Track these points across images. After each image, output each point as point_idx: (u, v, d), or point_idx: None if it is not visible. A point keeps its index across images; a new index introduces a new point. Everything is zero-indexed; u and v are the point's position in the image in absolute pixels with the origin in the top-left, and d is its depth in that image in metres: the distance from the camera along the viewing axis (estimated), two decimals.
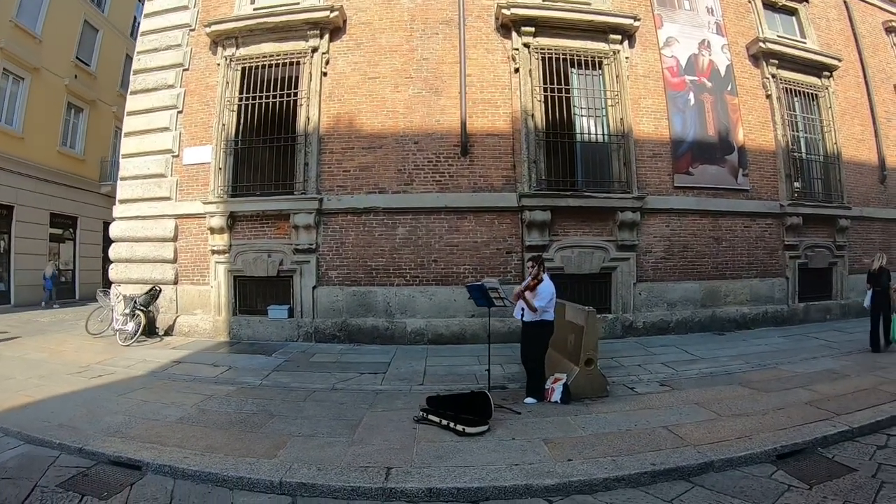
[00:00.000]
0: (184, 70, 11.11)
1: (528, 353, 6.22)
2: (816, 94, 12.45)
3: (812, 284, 11.89)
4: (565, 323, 6.83)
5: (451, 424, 4.99)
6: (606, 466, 4.16)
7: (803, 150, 12.20)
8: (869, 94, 13.38)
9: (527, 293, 6.06)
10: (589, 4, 10.81)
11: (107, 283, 11.97)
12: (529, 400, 5.93)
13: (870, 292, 8.76)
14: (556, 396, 5.95)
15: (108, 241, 11.51)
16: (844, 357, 8.03)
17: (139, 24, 12.46)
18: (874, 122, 13.29)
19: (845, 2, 13.89)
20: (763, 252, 11.29)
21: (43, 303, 16.23)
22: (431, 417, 5.22)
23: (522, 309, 6.15)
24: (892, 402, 5.63)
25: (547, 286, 6.11)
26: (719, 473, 4.15)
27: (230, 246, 10.26)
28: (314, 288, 9.98)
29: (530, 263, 6.36)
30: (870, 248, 12.93)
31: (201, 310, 10.40)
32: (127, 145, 11.24)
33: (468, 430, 4.88)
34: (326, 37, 10.58)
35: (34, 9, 16.96)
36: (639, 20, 10.69)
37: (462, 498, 3.83)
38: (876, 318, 8.56)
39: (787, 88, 11.98)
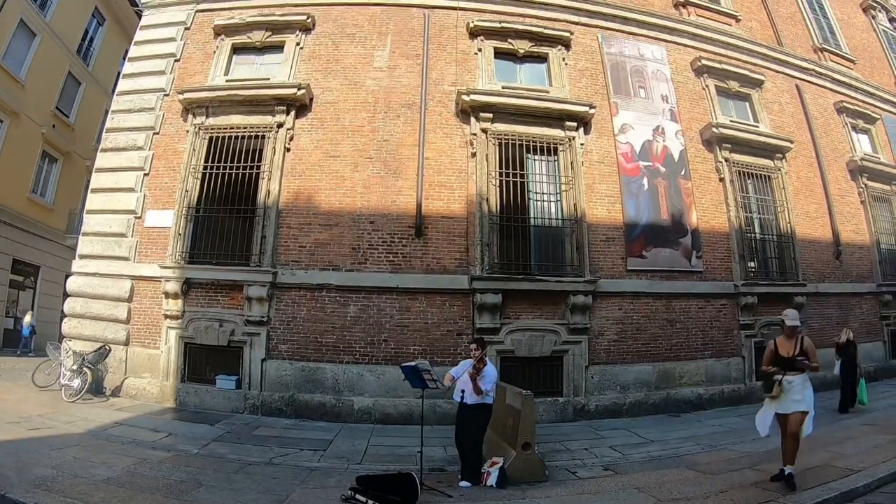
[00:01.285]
0: (154, 133, 11.26)
1: (465, 436, 6.21)
2: (770, 176, 12.83)
3: None
4: (505, 406, 6.84)
5: None
6: None
7: (757, 230, 12.48)
8: (822, 173, 13.82)
9: (476, 375, 6.11)
10: (547, 92, 11.24)
11: (61, 337, 11.78)
12: (464, 484, 5.91)
13: (838, 363, 10.25)
14: (492, 480, 5.93)
15: (67, 294, 11.38)
16: None
17: (120, 79, 12.64)
18: (828, 200, 13.68)
19: (797, 85, 14.52)
20: (718, 332, 11.38)
21: (19, 350, 16.00)
22: (359, 497, 5.18)
23: (462, 391, 6.19)
24: (843, 478, 5.69)
25: (491, 369, 6.26)
26: None
27: (183, 312, 10.18)
28: (263, 360, 9.87)
29: (474, 346, 6.44)
30: (827, 322, 13.13)
31: (150, 373, 10.22)
32: (92, 201, 11.27)
33: None
34: (293, 113, 10.84)
35: (21, 53, 17.17)
36: (594, 108, 11.09)
37: None
38: (846, 385, 9.95)
39: (740, 171, 12.35)
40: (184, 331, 10.14)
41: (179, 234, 10.43)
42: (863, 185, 14.93)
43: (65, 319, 11.03)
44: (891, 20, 20.29)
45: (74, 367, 9.59)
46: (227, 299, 10.20)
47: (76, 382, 9.49)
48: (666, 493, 5.51)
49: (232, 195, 10.54)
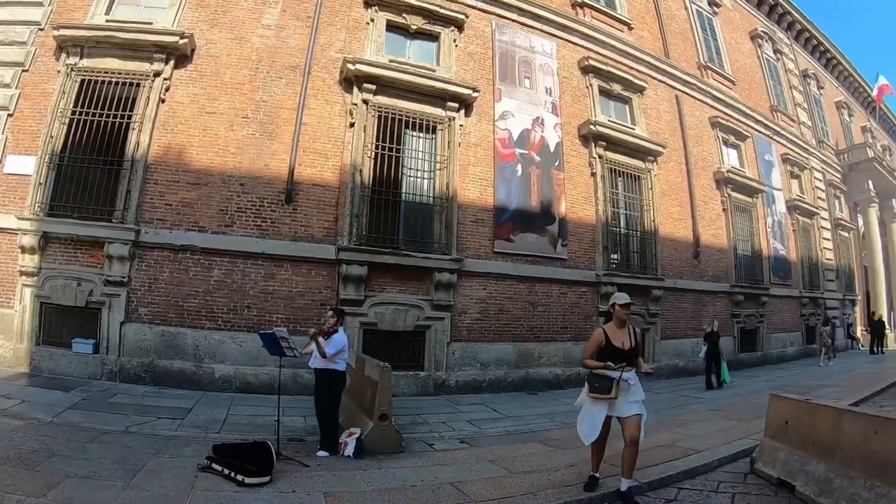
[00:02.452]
0: (23, 71, 10.19)
1: (319, 403, 6.24)
2: (640, 176, 13.74)
3: None
4: (365, 378, 6.88)
5: (233, 474, 4.88)
6: None
7: (623, 225, 13.36)
8: (689, 179, 14.97)
9: (320, 337, 6.11)
10: (434, 71, 11.32)
11: None
12: (321, 453, 5.91)
13: (705, 347, 12.28)
14: (350, 451, 5.94)
15: None
16: (649, 415, 8.50)
17: None
18: (692, 204, 14.86)
19: (677, 96, 15.60)
20: (578, 317, 12.08)
21: None
22: (215, 466, 5.06)
23: (315, 356, 6.19)
24: (686, 457, 6.03)
25: (340, 336, 6.24)
26: None
27: (40, 269, 9.37)
28: (122, 324, 9.31)
29: (331, 313, 6.47)
30: (682, 315, 14.32)
31: (3, 335, 9.34)
32: None
33: (248, 480, 4.79)
34: (172, 63, 10.20)
35: None
36: (478, 92, 11.33)
37: None
38: (709, 366, 12.03)
39: (612, 168, 13.13)
40: (40, 289, 9.35)
41: (40, 184, 9.57)
42: (726, 195, 16.34)
43: None
44: (775, 51, 22.24)
45: None
46: (87, 257, 9.52)
47: None
48: (518, 466, 5.74)
49: (100, 145, 9.79)
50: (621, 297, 5.08)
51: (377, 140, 10.48)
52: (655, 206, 13.72)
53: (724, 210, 16.25)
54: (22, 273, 9.44)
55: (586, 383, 4.92)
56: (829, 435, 4.87)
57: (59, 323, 9.60)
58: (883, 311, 24.84)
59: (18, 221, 9.38)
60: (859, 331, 24.81)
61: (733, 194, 16.58)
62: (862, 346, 23.52)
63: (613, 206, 13.07)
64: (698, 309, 14.85)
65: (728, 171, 16.44)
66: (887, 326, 24.12)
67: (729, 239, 16.20)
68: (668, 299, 13.87)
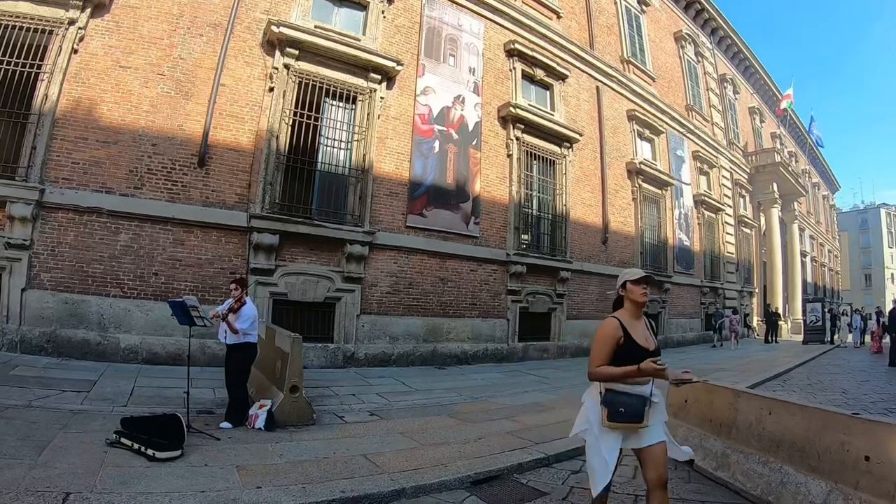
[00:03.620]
0: None
1: (229, 376, 6.18)
2: (555, 161, 14.37)
3: (532, 326, 13.54)
4: (275, 349, 6.85)
5: (143, 448, 4.79)
6: (295, 494, 4.12)
7: (535, 207, 13.97)
8: (603, 167, 15.79)
9: (230, 316, 6.04)
10: (359, 41, 11.25)
11: None
12: (225, 424, 5.84)
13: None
14: (260, 423, 5.91)
15: None
16: (555, 391, 9.00)
17: None
18: (604, 192, 15.70)
19: (598, 87, 16.31)
20: (487, 294, 12.60)
21: None
22: (124, 441, 4.95)
23: (226, 331, 6.13)
24: None
25: (249, 308, 6.17)
26: (411, 500, 4.30)
27: None
28: (24, 290, 8.70)
29: (234, 286, 6.33)
30: (588, 297, 15.19)
31: None
32: None
33: (158, 454, 4.71)
34: (88, 11, 9.43)
35: None
36: (402, 65, 11.41)
37: None
38: None
39: (528, 151, 13.66)
40: None
41: None
42: (637, 185, 17.36)
43: None
44: (696, 54, 23.50)
45: None
46: None
47: None
48: (428, 438, 5.87)
49: (5, 96, 9.10)
50: (634, 273, 3.35)
51: (296, 107, 10.39)
52: (568, 191, 14.42)
53: (633, 199, 17.27)
54: None
55: (598, 406, 3.14)
56: (727, 414, 5.24)
57: None
58: (778, 304, 27.22)
59: None
60: (755, 321, 27.04)
61: (644, 185, 17.63)
62: (757, 335, 25.64)
63: (527, 188, 13.62)
64: (604, 292, 15.76)
65: (641, 162, 17.44)
66: (781, 318, 26.48)
67: (637, 227, 17.26)
68: (575, 281, 14.68)
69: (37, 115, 9.13)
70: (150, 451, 4.80)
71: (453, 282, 12.02)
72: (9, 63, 9.23)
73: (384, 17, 11.92)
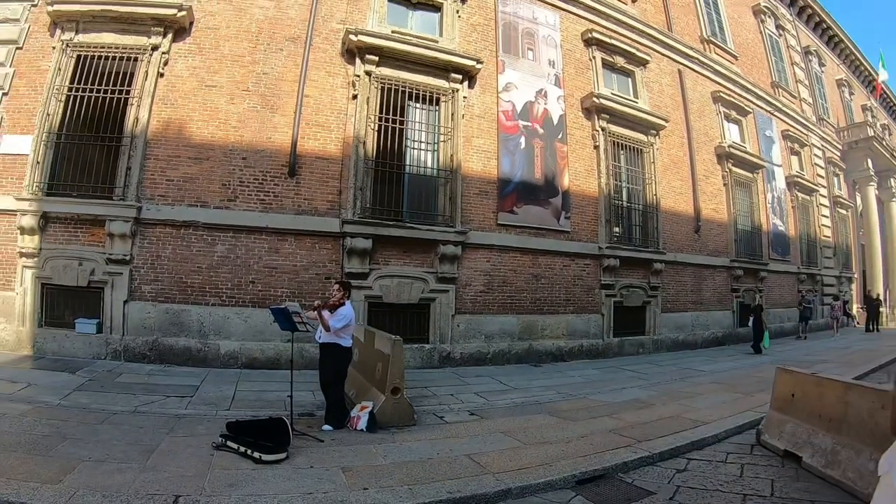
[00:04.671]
0: (17, 48, 10.00)
1: (324, 378, 6.20)
2: (642, 149, 13.70)
3: (627, 321, 12.95)
4: (375, 351, 6.88)
5: (249, 451, 4.87)
6: (402, 495, 4.14)
7: (625, 198, 13.36)
8: (691, 153, 14.93)
9: (325, 311, 6.05)
10: (436, 42, 11.17)
11: None
12: (326, 427, 5.90)
13: (752, 318, 14.17)
14: (363, 424, 5.94)
15: None
16: (654, 387, 8.70)
17: None
18: (693, 178, 14.84)
19: (679, 70, 15.47)
20: (580, 290, 12.14)
21: None
22: (230, 444, 5.05)
23: (320, 331, 6.15)
24: (694, 428, 6.09)
25: (347, 310, 6.16)
26: (517, 500, 4.25)
27: (40, 249, 9.29)
28: (126, 302, 9.27)
29: (337, 287, 6.38)
30: (682, 289, 14.38)
31: (5, 319, 9.29)
32: None
33: (265, 457, 4.79)
34: (170, 36, 10.03)
35: None
36: (482, 63, 11.21)
37: None
38: (756, 335, 13.80)
39: (615, 142, 13.09)
40: (41, 270, 9.27)
41: (38, 163, 9.44)
42: (727, 170, 16.33)
43: None
44: (777, 27, 22.05)
45: None
46: (88, 236, 9.42)
47: None
48: (530, 437, 5.76)
49: (98, 122, 9.64)
50: None
51: (380, 112, 10.39)
52: (657, 179, 13.72)
53: (724, 185, 16.26)
54: (22, 255, 9.35)
55: None
56: (836, 408, 4.92)
57: (61, 304, 9.53)
58: (879, 290, 25.05)
59: (17, 202, 9.26)
60: (855, 308, 24.99)
61: (734, 169, 16.58)
62: (857, 323, 23.71)
63: (616, 180, 13.07)
64: (698, 283, 14.93)
65: (729, 146, 16.41)
66: (883, 304, 24.36)
67: (729, 214, 16.23)
68: (668, 273, 13.93)
69: (129, 137, 9.61)
70: (256, 454, 4.85)
71: (546, 278, 11.67)
72: (99, 91, 9.76)
73: (459, 16, 11.77)
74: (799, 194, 20.49)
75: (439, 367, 10.13)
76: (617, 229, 12.99)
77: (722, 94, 16.83)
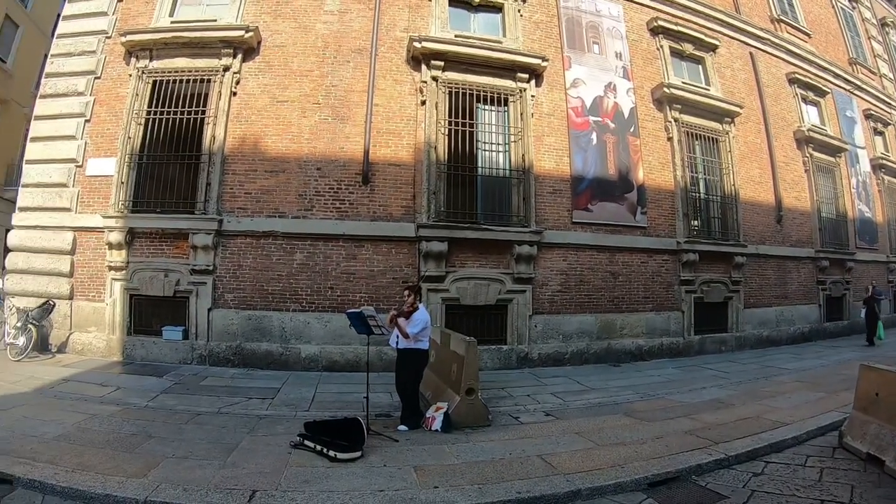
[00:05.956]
0: (95, 78, 10.75)
1: (400, 381, 6.30)
2: (717, 138, 13.11)
3: (708, 318, 12.40)
4: (450, 353, 6.91)
5: (325, 450, 5.04)
6: (471, 494, 4.21)
7: (702, 190, 12.81)
8: (769, 140, 14.18)
9: (400, 319, 6.15)
10: (500, 43, 11.12)
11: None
12: (402, 427, 6.00)
13: (864, 309, 13.90)
14: (437, 425, 6.00)
15: (7, 250, 10.92)
16: (734, 386, 8.37)
17: (60, 21, 11.95)
18: (772, 166, 14.07)
19: (751, 53, 14.74)
20: (659, 286, 11.73)
21: None
22: (307, 443, 5.24)
23: (397, 336, 6.23)
24: (773, 429, 5.83)
25: (422, 314, 6.25)
26: (587, 502, 4.24)
27: (128, 263, 9.91)
28: (210, 310, 9.75)
29: (407, 292, 6.48)
30: (765, 283, 13.66)
31: (96, 327, 9.98)
32: (32, 151, 10.77)
33: (340, 455, 4.94)
34: (239, 56, 10.48)
35: None
36: (547, 61, 11.06)
37: None
38: (869, 325, 13.53)
39: (688, 132, 12.58)
40: (129, 282, 9.90)
41: (122, 183, 10.07)
42: (808, 155, 15.41)
43: (7, 276, 10.63)
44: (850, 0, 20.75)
45: (19, 325, 9.24)
46: (172, 248, 9.96)
47: (21, 340, 9.13)
48: (604, 438, 5.68)
49: (176, 141, 10.18)
50: None
51: (449, 116, 10.43)
52: (735, 169, 13.09)
53: (805, 171, 15.33)
54: (111, 268, 9.98)
55: None
56: None
57: (148, 312, 10.11)
58: None
59: (104, 220, 9.89)
60: None
61: (815, 154, 15.62)
62: None
63: (692, 171, 12.54)
64: (782, 276, 14.14)
65: (809, 129, 15.47)
66: None
67: (812, 201, 15.28)
68: (750, 266, 13.25)
69: (207, 154, 10.04)
70: (331, 453, 5.00)
71: (624, 275, 11.36)
72: (176, 112, 10.27)
73: (521, 15, 11.67)
74: (885, 177, 19.06)
75: (517, 368, 10.05)
76: (695, 222, 12.47)
77: (797, 75, 15.91)
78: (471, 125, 10.52)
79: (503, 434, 5.92)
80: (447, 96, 10.48)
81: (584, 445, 5.46)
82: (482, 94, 10.71)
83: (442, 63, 10.49)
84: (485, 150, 10.70)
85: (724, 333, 12.69)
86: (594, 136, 11.33)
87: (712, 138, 13.06)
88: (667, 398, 7.68)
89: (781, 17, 16.46)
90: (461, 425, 6.05)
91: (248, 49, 10.50)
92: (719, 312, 12.75)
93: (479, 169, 10.62)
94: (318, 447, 5.11)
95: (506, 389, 8.19)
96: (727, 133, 13.21)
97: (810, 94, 16.39)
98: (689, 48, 13.38)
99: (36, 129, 10.87)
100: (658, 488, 4.46)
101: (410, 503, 4.05)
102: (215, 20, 10.80)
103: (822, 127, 16.39)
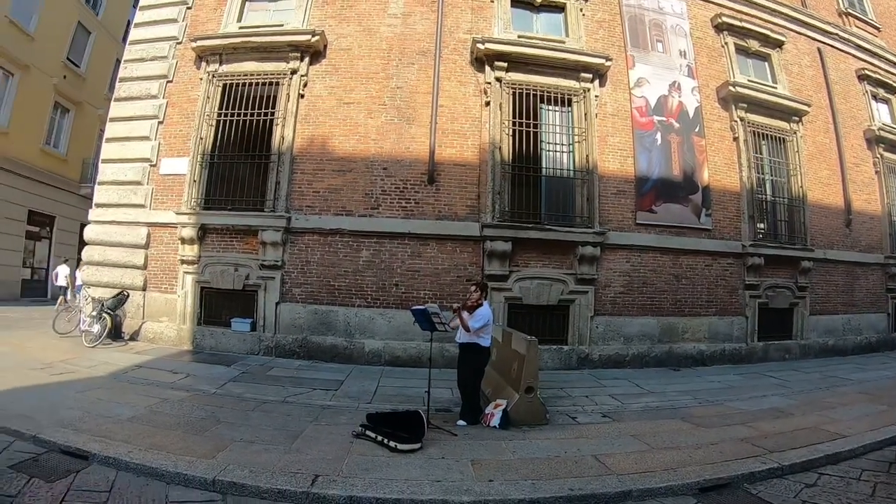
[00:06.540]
0: (167, 82, 11.28)
1: (461, 376, 6.41)
2: (784, 138, 12.73)
3: (772, 324, 12.05)
4: (511, 351, 7.01)
5: (385, 441, 5.20)
6: (524, 489, 4.30)
7: (769, 192, 12.45)
8: (838, 140, 13.67)
9: (464, 313, 6.25)
10: (563, 43, 11.11)
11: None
12: (461, 423, 6.12)
13: None
14: (496, 421, 6.10)
15: (83, 243, 11.62)
16: (795, 395, 8.18)
17: (132, 28, 12.59)
18: (842, 167, 13.56)
19: (819, 49, 14.23)
20: (723, 290, 11.48)
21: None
22: (369, 433, 5.40)
23: (460, 331, 6.36)
24: (831, 441, 5.70)
25: (485, 310, 6.33)
26: (636, 502, 4.27)
27: (199, 257, 10.41)
28: (277, 304, 10.12)
29: (473, 287, 6.57)
30: (832, 289, 13.19)
31: (167, 317, 10.50)
32: (107, 151, 11.41)
33: (400, 446, 5.09)
34: (306, 60, 10.80)
35: (30, 6, 17.21)
36: (611, 60, 10.97)
37: None
38: None
39: (754, 132, 12.26)
40: (200, 275, 10.38)
41: (194, 181, 10.55)
42: (878, 156, 14.75)
43: (83, 267, 11.31)
44: None
45: (94, 314, 9.85)
46: (242, 244, 10.39)
47: (96, 328, 9.73)
48: (659, 442, 5.67)
49: (246, 142, 10.59)
50: None
51: (513, 116, 10.48)
52: (803, 170, 12.67)
53: (876, 172, 14.66)
54: (183, 262, 10.47)
55: None
56: None
57: (218, 304, 10.55)
58: None
59: (177, 216, 10.39)
60: None
61: (886, 154, 14.91)
62: None
63: (758, 172, 12.21)
64: (850, 282, 13.58)
65: (879, 128, 14.79)
66: None
67: (883, 205, 14.60)
68: (817, 272, 12.80)
69: (276, 154, 10.36)
70: (392, 443, 5.14)
71: (688, 278, 11.16)
72: (246, 114, 10.65)
73: (583, 14, 11.63)
74: None
75: (577, 369, 10.02)
76: (761, 225, 12.12)
77: (867, 72, 15.24)
78: (535, 125, 10.54)
79: (559, 433, 5.97)
80: (511, 97, 10.54)
81: (639, 448, 5.49)
82: (546, 94, 10.72)
83: (505, 64, 10.56)
84: (549, 151, 10.72)
85: (789, 341, 12.30)
86: (659, 136, 11.18)
87: (779, 138, 12.68)
88: (725, 405, 7.57)
89: (849, 11, 15.82)
90: (519, 423, 6.12)
91: (314, 52, 10.82)
92: (784, 319, 12.38)
93: (543, 169, 10.64)
94: (379, 438, 5.27)
95: (564, 389, 8.22)
96: (794, 133, 12.80)
97: (881, 92, 15.69)
98: (754, 45, 13.04)
99: (111, 130, 11.46)
100: (708, 493, 4.45)
101: (466, 494, 4.16)
102: (282, 25, 11.17)
103: (894, 126, 15.68)
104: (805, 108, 12.93)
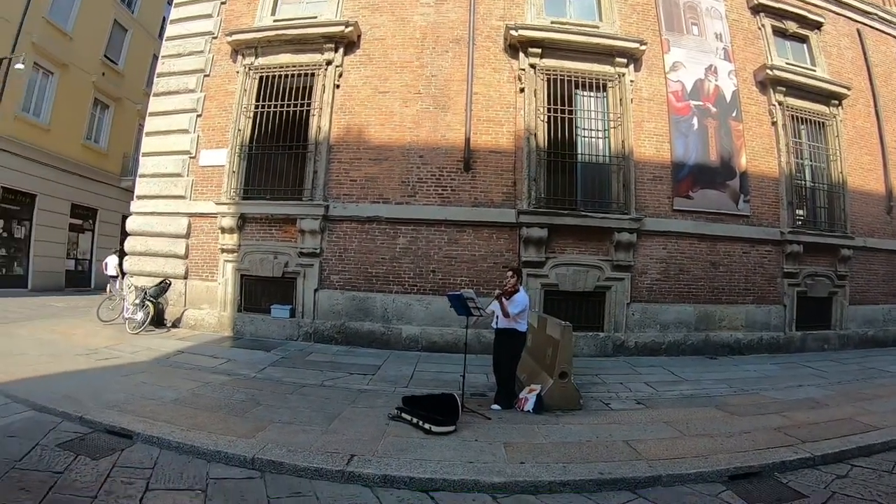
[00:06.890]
0: (205, 76, 11.54)
1: (498, 361, 6.50)
2: (824, 123, 12.48)
3: (811, 313, 11.84)
4: (546, 337, 7.08)
5: (420, 423, 5.30)
6: (555, 471, 4.37)
7: (808, 177, 12.24)
8: (879, 124, 13.33)
9: (503, 299, 6.34)
10: (597, 28, 11.03)
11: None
12: (495, 407, 6.19)
13: None
14: (530, 406, 6.16)
15: (125, 234, 11.99)
16: (832, 386, 8.07)
17: (167, 25, 12.88)
18: (883, 152, 13.24)
19: (858, 30, 13.87)
20: (761, 278, 11.33)
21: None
22: (404, 415, 5.52)
23: (497, 317, 6.46)
24: (865, 433, 5.63)
25: (522, 296, 6.41)
26: (666, 488, 4.28)
27: (239, 246, 10.67)
28: (316, 291, 10.34)
29: (510, 273, 6.63)
30: (872, 278, 12.91)
31: (208, 305, 10.80)
32: (147, 144, 11.72)
33: (434, 428, 5.19)
34: (341, 51, 10.94)
35: (66, 6, 17.67)
36: (645, 44, 10.87)
37: (413, 486, 4.13)
38: None
39: (793, 116, 12.03)
40: (240, 263, 10.65)
41: (233, 172, 10.80)
42: None
43: (126, 257, 11.68)
44: None
45: (137, 302, 10.18)
46: (281, 233, 10.62)
47: (139, 315, 10.07)
48: (691, 429, 5.67)
49: (283, 132, 10.78)
50: None
51: (548, 103, 10.48)
52: (843, 155, 12.39)
53: None
54: (223, 251, 10.72)
55: None
56: None
57: (257, 291, 10.81)
58: None
59: (217, 206, 10.63)
60: None
61: None
62: None
63: (797, 157, 11.98)
64: (891, 272, 13.23)
65: None
66: None
67: None
68: (857, 260, 12.52)
69: (313, 144, 10.52)
70: (426, 426, 5.23)
71: (725, 266, 11.03)
72: (283, 105, 10.83)
73: None
74: None
75: (612, 356, 10.02)
76: (800, 212, 11.90)
77: None
78: (570, 111, 10.51)
79: (592, 419, 6.00)
80: (545, 83, 10.53)
81: (671, 434, 5.49)
82: (580, 80, 10.68)
83: (539, 50, 10.54)
84: (584, 137, 10.69)
85: (827, 331, 12.08)
86: (695, 120, 11.03)
87: (819, 122, 12.43)
88: (761, 394, 7.50)
89: None
90: (553, 408, 6.17)
91: (348, 43, 10.94)
92: (823, 308, 12.15)
93: (579, 155, 10.61)
94: (415, 420, 5.37)
95: (599, 376, 8.25)
96: (834, 117, 12.53)
97: None
98: (792, 26, 12.76)
99: (151, 124, 11.77)
100: (738, 481, 4.43)
101: (497, 475, 4.23)
102: (315, 17, 11.30)
103: None
104: (845, 91, 12.64)
